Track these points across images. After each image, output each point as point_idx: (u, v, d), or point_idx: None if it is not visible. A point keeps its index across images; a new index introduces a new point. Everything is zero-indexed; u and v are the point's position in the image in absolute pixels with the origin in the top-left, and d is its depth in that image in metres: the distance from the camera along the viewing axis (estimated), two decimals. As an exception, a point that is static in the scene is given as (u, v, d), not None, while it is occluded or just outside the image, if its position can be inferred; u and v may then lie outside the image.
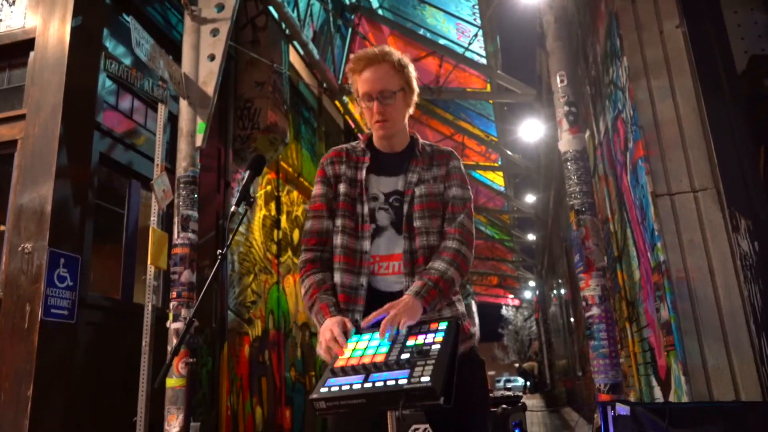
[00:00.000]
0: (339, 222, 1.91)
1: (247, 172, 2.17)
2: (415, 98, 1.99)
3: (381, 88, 1.88)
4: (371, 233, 1.88)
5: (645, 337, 4.42)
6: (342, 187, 1.93)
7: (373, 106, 1.89)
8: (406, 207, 1.89)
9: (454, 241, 1.85)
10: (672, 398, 3.59)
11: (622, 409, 2.61)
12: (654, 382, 4.24)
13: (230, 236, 2.32)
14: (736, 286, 3.27)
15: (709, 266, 3.36)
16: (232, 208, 2.10)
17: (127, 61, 5.33)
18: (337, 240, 1.90)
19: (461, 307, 1.92)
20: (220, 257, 2.13)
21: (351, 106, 11.00)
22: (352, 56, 1.99)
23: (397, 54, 1.94)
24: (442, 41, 10.15)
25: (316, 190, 1.99)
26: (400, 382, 1.50)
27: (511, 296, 33.68)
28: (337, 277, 1.87)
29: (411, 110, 2.01)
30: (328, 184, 1.97)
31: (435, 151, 2.01)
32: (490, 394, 3.40)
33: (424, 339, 1.64)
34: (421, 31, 10.38)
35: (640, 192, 3.89)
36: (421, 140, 2.03)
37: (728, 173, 3.42)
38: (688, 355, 3.26)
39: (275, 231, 8.37)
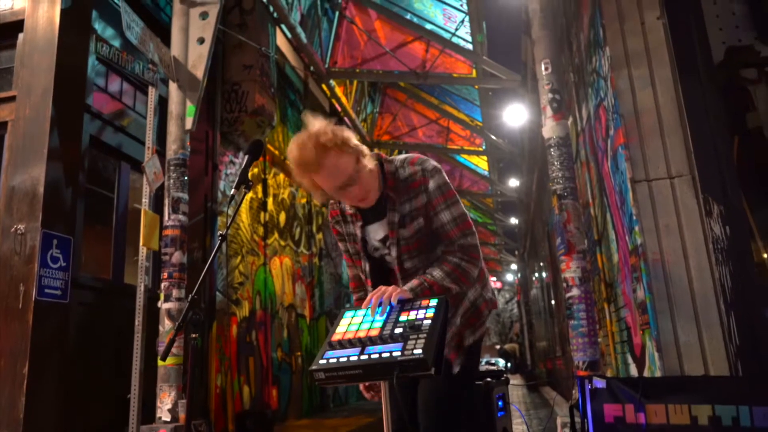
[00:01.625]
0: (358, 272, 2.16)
1: (246, 157, 2.27)
2: (367, 152, 1.90)
3: (342, 181, 1.82)
4: (372, 283, 2.06)
5: (622, 317, 4.60)
6: (350, 247, 2.10)
7: (348, 192, 1.86)
8: (394, 250, 1.94)
9: (455, 256, 1.89)
10: (646, 374, 3.77)
11: (599, 383, 2.78)
12: (630, 360, 4.42)
13: (229, 220, 2.42)
14: (708, 268, 3.43)
15: (683, 249, 3.51)
16: (232, 191, 2.19)
17: (116, 43, 5.34)
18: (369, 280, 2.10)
19: (472, 294, 2.03)
20: (220, 238, 2.23)
21: (338, 90, 11.04)
22: (291, 165, 1.88)
23: (322, 136, 1.79)
24: (428, 26, 10.21)
25: (340, 246, 2.18)
26: (394, 354, 1.62)
27: (493, 279, 34.04)
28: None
29: (373, 165, 1.91)
30: (344, 239, 2.12)
31: (408, 178, 1.92)
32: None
33: (416, 315, 1.76)
34: (408, 16, 10.42)
35: (620, 178, 4.03)
36: (391, 166, 1.95)
37: (703, 161, 3.56)
38: (661, 332, 3.43)
39: (262, 213, 8.45)
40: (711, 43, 4.43)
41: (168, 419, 4.52)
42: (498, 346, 34.49)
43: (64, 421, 4.30)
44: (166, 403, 4.57)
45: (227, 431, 6.65)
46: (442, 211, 1.91)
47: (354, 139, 1.87)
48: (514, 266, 27.09)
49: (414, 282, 1.85)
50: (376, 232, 2.00)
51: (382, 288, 1.81)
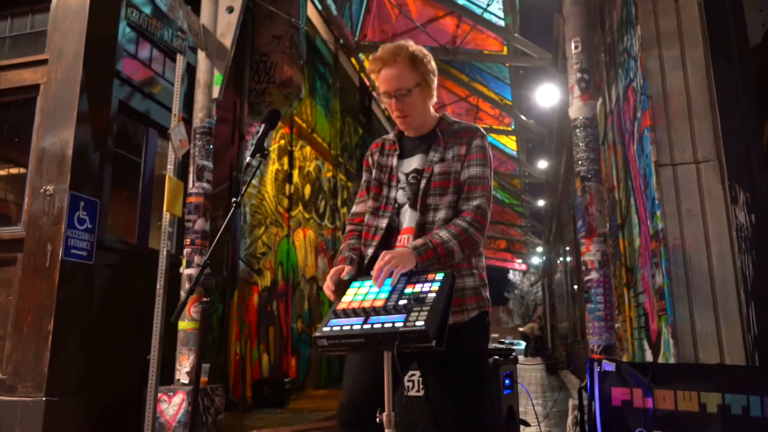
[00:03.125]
0: (369, 203, 2.11)
1: (263, 126, 2.29)
2: (434, 90, 2.06)
3: (397, 87, 1.96)
4: (392, 212, 2.03)
5: (641, 303, 4.55)
6: (374, 173, 2.12)
7: (392, 103, 1.99)
8: (423, 183, 1.98)
9: (464, 221, 1.91)
10: (661, 360, 3.74)
11: (609, 366, 2.76)
12: (646, 346, 4.39)
13: (243, 187, 2.46)
14: (729, 256, 3.36)
15: (705, 235, 3.44)
16: (247, 159, 2.21)
17: (147, 9, 5.38)
18: (365, 219, 2.11)
19: (470, 282, 2.00)
20: (234, 206, 2.26)
21: (366, 64, 10.98)
22: (371, 57, 2.07)
23: (411, 49, 1.99)
24: (460, 1, 10.04)
25: (363, 177, 2.21)
26: (397, 324, 1.63)
27: (519, 261, 33.88)
28: (363, 249, 2.07)
29: (433, 100, 2.08)
30: (369, 171, 2.16)
31: (461, 128, 2.06)
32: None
33: (421, 288, 1.77)
34: (441, -11, 10.27)
35: (645, 161, 3.96)
36: (450, 119, 2.11)
37: (731, 146, 3.47)
38: (678, 319, 3.39)
39: (287, 185, 8.52)
40: (748, 25, 4.28)
41: (186, 381, 4.65)
42: (521, 329, 34.46)
43: (85, 378, 4.45)
44: (184, 366, 4.70)
45: (245, 397, 6.81)
46: (474, 166, 1.99)
47: (434, 77, 2.04)
48: (539, 249, 26.87)
49: (419, 241, 1.85)
50: (407, 165, 2.08)
51: (388, 257, 1.81)
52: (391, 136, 2.18)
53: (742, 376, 2.64)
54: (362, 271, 2.01)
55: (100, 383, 4.58)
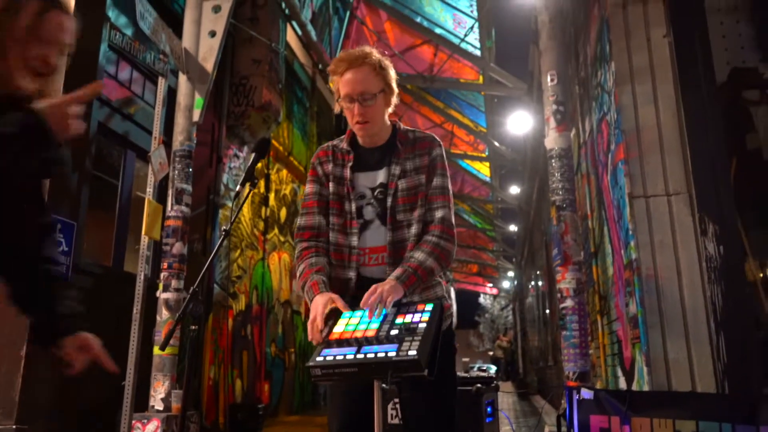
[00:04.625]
0: (331, 220, 2.02)
1: (253, 154, 2.32)
2: (395, 99, 2.04)
3: (361, 90, 1.93)
4: (358, 228, 1.99)
5: (614, 330, 4.65)
6: (331, 186, 2.03)
7: (353, 107, 1.94)
8: (389, 200, 1.97)
9: (433, 236, 1.94)
10: (635, 387, 3.82)
11: (587, 393, 2.83)
12: (619, 373, 4.48)
13: (233, 215, 2.47)
14: (700, 286, 3.49)
15: (677, 266, 3.57)
16: (237, 188, 2.23)
17: (129, 31, 5.39)
18: (330, 237, 2.01)
19: (440, 291, 2.07)
20: (224, 233, 2.28)
21: (332, 84, 11.09)
22: (333, 59, 2.07)
23: (377, 55, 1.98)
24: (438, 30, 10.25)
25: (308, 188, 2.08)
26: (390, 354, 1.67)
27: (490, 285, 34.08)
28: (332, 272, 1.99)
29: (391, 109, 2.06)
30: (320, 182, 2.06)
31: (417, 138, 2.05)
32: (467, 375, 3.61)
33: (412, 318, 1.81)
34: (419, 19, 10.46)
35: (618, 192, 4.09)
36: (402, 127, 2.08)
37: (701, 180, 3.62)
38: (651, 347, 3.49)
39: (263, 208, 8.50)
40: (715, 63, 4.48)
41: (160, 408, 4.58)
42: (491, 353, 34.51)
43: (58, 404, 4.34)
44: (159, 392, 4.63)
45: (218, 423, 6.70)
46: (437, 176, 2.00)
47: (394, 82, 2.02)
48: (511, 273, 27.11)
49: (398, 271, 1.87)
50: (370, 179, 2.03)
51: (379, 290, 1.85)
52: (343, 144, 2.09)
53: (714, 403, 2.73)
54: (344, 294, 2.00)
55: (73, 409, 4.48)
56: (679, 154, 3.73)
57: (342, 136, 2.13)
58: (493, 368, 27.70)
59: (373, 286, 1.86)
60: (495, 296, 42.39)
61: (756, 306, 3.55)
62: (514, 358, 25.40)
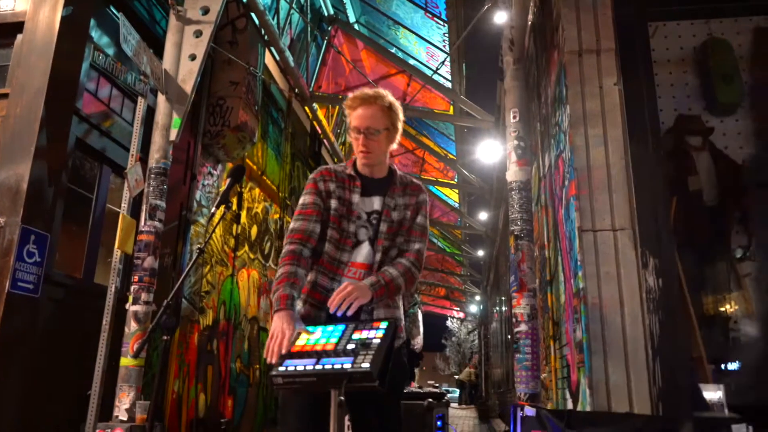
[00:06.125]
0: (328, 232, 2.25)
1: (229, 180, 2.55)
2: (398, 137, 2.36)
3: (368, 125, 2.24)
4: (351, 246, 2.26)
5: (564, 355, 4.91)
6: (333, 203, 2.27)
7: (360, 138, 2.25)
8: (383, 226, 2.27)
9: (409, 261, 2.26)
10: (579, 408, 4.07)
11: (530, 411, 3.06)
12: (567, 395, 4.73)
13: (208, 235, 2.67)
14: (640, 316, 3.77)
15: (619, 296, 3.85)
16: (213, 209, 2.45)
17: (110, 50, 5.56)
18: (325, 247, 2.25)
19: (398, 314, 2.33)
20: (198, 251, 2.49)
21: (320, 113, 11.35)
22: (350, 94, 2.35)
23: (389, 98, 2.30)
24: (412, 61, 10.61)
25: (309, 198, 2.29)
26: (345, 366, 1.88)
27: (457, 309, 34.36)
28: (317, 277, 2.24)
29: (394, 146, 2.38)
30: (320, 196, 2.29)
31: (408, 182, 2.38)
32: (420, 389, 3.81)
33: (368, 334, 2.03)
34: (393, 50, 10.82)
35: (570, 225, 4.38)
36: (399, 171, 2.42)
37: (644, 217, 3.93)
38: (594, 371, 3.74)
39: (234, 225, 8.63)
40: (664, 110, 4.86)
41: (125, 419, 4.66)
42: (456, 377, 34.66)
43: (24, 413, 4.41)
44: (124, 402, 4.72)
45: (179, 437, 6.75)
46: (420, 216, 2.34)
47: (400, 124, 2.35)
48: (478, 297, 27.45)
49: (372, 278, 2.15)
50: (367, 204, 2.30)
51: (350, 288, 2.09)
52: (348, 171, 2.34)
53: (645, 423, 2.98)
54: (325, 300, 2.20)
55: (38, 420, 4.54)
56: (625, 193, 4.04)
57: (342, 163, 2.43)
58: (457, 392, 27.88)
59: (346, 283, 2.12)
60: (462, 320, 42.71)
61: (688, 335, 3.85)
62: (478, 382, 25.59)
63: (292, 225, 2.29)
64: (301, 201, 2.33)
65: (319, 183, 2.31)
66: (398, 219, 2.30)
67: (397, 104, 2.35)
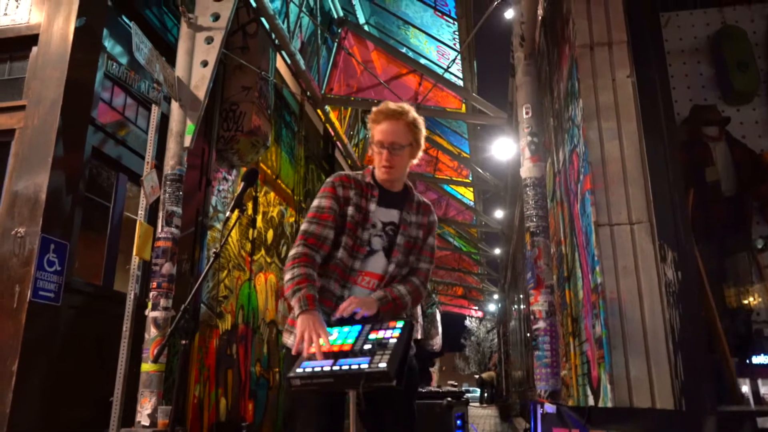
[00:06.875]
0: (343, 239, 2.24)
1: (242, 183, 2.57)
2: (420, 153, 2.38)
3: (392, 140, 2.26)
4: (365, 255, 2.26)
5: (584, 351, 4.87)
6: (350, 210, 2.26)
7: (383, 153, 2.26)
8: (399, 239, 2.30)
9: (418, 279, 2.32)
10: (600, 405, 4.03)
11: (550, 408, 3.04)
12: (588, 392, 4.68)
13: (223, 239, 2.68)
14: (660, 309, 3.71)
15: (638, 290, 3.80)
16: (227, 213, 2.48)
17: (123, 60, 5.63)
18: (338, 253, 2.24)
19: (415, 313, 2.39)
20: (214, 255, 2.51)
21: (332, 115, 11.37)
22: (374, 108, 2.36)
23: (414, 114, 2.32)
24: (423, 60, 10.59)
25: (326, 202, 2.27)
26: (362, 366, 1.88)
27: (475, 308, 34.23)
28: (328, 283, 2.23)
29: (415, 161, 2.40)
30: (338, 202, 2.27)
31: (421, 202, 2.42)
32: (439, 389, 3.80)
33: (384, 334, 2.03)
34: (404, 50, 10.81)
35: (586, 220, 4.34)
36: (414, 189, 2.45)
37: (661, 209, 3.87)
38: (614, 366, 3.70)
39: (251, 230, 8.68)
40: (679, 101, 4.80)
41: (147, 424, 4.71)
42: (477, 376, 34.53)
43: (47, 419, 4.47)
44: (146, 408, 4.76)
45: (201, 441, 6.80)
46: (430, 236, 2.39)
47: (423, 139, 2.38)
48: (496, 296, 27.33)
49: (380, 293, 2.19)
50: (384, 215, 2.31)
51: (356, 302, 2.12)
52: (366, 179, 2.34)
53: (666, 418, 2.95)
54: (333, 307, 2.21)
55: (61, 424, 4.60)
56: (641, 186, 3.99)
57: (360, 171, 2.42)
58: (478, 391, 27.79)
59: (352, 297, 2.15)
60: (481, 319, 42.56)
61: (710, 328, 3.79)
62: (498, 380, 25.49)
63: (305, 227, 2.26)
64: (316, 203, 2.30)
65: (338, 188, 2.29)
66: (414, 236, 2.34)
67: (421, 120, 2.36)
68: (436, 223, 2.42)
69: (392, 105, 2.31)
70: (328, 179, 2.36)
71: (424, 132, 2.36)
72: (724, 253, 4.53)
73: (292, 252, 2.23)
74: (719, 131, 4.62)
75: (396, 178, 2.34)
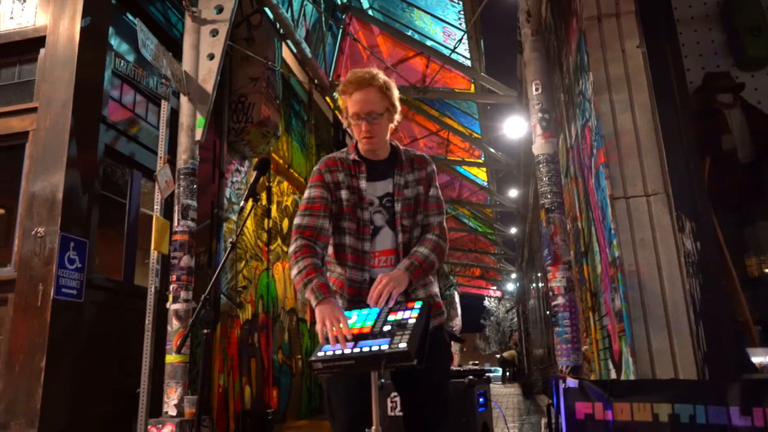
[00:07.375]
0: (345, 225, 2.19)
1: (255, 173, 2.58)
2: (398, 116, 2.27)
3: (369, 110, 2.14)
4: (371, 234, 2.20)
5: (604, 325, 4.86)
6: (343, 194, 2.20)
7: (361, 124, 2.16)
8: (398, 206, 2.20)
9: (434, 235, 2.21)
10: (623, 378, 4.03)
11: (572, 382, 3.04)
12: (610, 366, 4.68)
13: (238, 228, 2.70)
14: (679, 280, 3.69)
15: (657, 262, 3.78)
16: (241, 203, 2.47)
17: (131, 57, 5.65)
18: (345, 240, 2.19)
19: (434, 289, 2.32)
20: (231, 245, 2.53)
21: (341, 101, 11.35)
22: (342, 79, 2.25)
23: (382, 77, 2.19)
24: (429, 42, 10.52)
25: (315, 192, 2.21)
26: (383, 347, 1.89)
27: (493, 288, 34.22)
28: (346, 272, 2.18)
29: (394, 125, 2.29)
30: (328, 189, 2.20)
31: (414, 156, 2.30)
32: (460, 368, 3.83)
33: (403, 315, 2.04)
34: (409, 32, 10.74)
35: (601, 194, 4.31)
36: (401, 147, 2.31)
37: (677, 180, 3.84)
38: (635, 339, 3.69)
39: (266, 220, 8.74)
40: (691, 69, 4.72)
41: (174, 414, 4.79)
42: (498, 355, 34.62)
43: (75, 413, 4.57)
44: (172, 398, 4.84)
45: (228, 429, 6.91)
46: (433, 188, 2.28)
47: (398, 101, 2.24)
48: (514, 275, 27.30)
49: (405, 262, 2.11)
50: (378, 188, 2.23)
51: (386, 280, 2.05)
52: (352, 156, 2.25)
53: (688, 388, 2.94)
54: (360, 293, 2.19)
55: (89, 417, 4.70)
56: (655, 157, 3.95)
57: (344, 149, 2.34)
58: (500, 372, 27.88)
59: (380, 276, 2.09)
60: (499, 299, 42.56)
61: (731, 297, 3.77)
62: (519, 359, 25.55)
63: (299, 220, 2.20)
64: (306, 194, 2.25)
65: (325, 175, 2.23)
66: (413, 196, 2.24)
67: (392, 81, 2.23)
68: (435, 172, 2.30)
69: (359, 72, 2.19)
70: (315, 167, 2.31)
71: (396, 92, 2.24)
72: (743, 222, 4.46)
73: (291, 248, 2.20)
74: (734, 98, 4.54)
75: (379, 146, 2.25)
